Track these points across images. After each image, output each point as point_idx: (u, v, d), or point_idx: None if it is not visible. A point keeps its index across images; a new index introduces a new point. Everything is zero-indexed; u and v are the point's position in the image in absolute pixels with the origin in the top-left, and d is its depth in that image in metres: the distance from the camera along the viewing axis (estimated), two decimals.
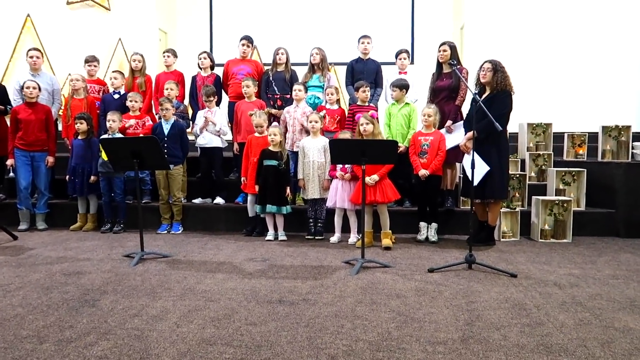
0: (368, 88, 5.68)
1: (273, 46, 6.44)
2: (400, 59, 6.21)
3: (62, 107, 6.41)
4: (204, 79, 6.45)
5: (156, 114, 6.43)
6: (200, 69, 6.54)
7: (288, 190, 5.29)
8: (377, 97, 6.12)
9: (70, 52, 8.70)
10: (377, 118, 5.11)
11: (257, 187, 5.31)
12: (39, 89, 5.94)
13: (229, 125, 6.30)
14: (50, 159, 5.98)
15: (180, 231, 5.75)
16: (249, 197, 5.60)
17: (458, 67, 4.93)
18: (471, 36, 8.44)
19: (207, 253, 4.75)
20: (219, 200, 6.03)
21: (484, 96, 4.84)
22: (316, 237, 5.35)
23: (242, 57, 6.45)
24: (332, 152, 4.42)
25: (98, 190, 5.83)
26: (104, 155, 5.43)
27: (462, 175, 5.62)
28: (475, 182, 4.44)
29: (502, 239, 5.33)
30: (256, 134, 5.57)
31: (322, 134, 5.58)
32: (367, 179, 4.84)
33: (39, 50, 6.43)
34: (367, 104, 5.75)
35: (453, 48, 5.54)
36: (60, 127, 6.63)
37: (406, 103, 5.57)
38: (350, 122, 5.72)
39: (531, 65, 8.19)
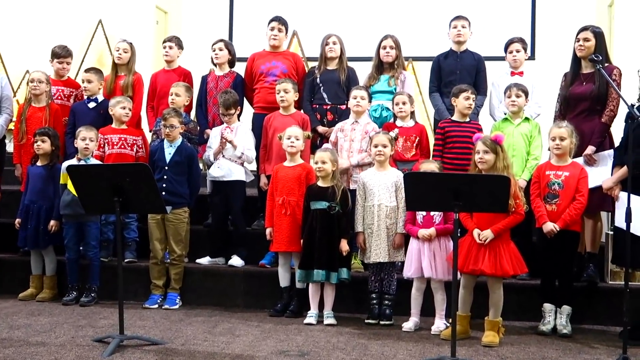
0: (474, 96, 5.75)
1: (321, 33, 6.54)
2: (512, 53, 6.21)
3: (14, 119, 6.62)
4: (219, 80, 6.61)
5: (150, 133, 6.57)
6: (215, 65, 6.72)
7: (344, 244, 5.32)
8: (477, 110, 6.12)
9: (31, 40, 9.08)
10: (501, 143, 4.96)
11: (301, 242, 5.38)
12: None
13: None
14: None
15: (178, 306, 5.81)
16: (281, 258, 5.65)
17: (605, 65, 4.86)
18: (625, 18, 8.31)
19: (216, 340, 4.77)
20: (236, 261, 6.07)
21: None
22: (381, 322, 5.32)
23: (273, 48, 6.59)
24: (408, 191, 4.39)
25: (60, 242, 5.97)
26: (70, 189, 5.59)
27: (611, 232, 5.52)
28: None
29: None
30: (286, 163, 5.64)
31: (394, 164, 5.60)
32: (477, 234, 4.85)
33: None
34: (468, 119, 5.78)
35: (599, 36, 5.51)
36: (10, 148, 6.86)
37: (525, 118, 5.68)
38: (440, 146, 5.76)
39: None
